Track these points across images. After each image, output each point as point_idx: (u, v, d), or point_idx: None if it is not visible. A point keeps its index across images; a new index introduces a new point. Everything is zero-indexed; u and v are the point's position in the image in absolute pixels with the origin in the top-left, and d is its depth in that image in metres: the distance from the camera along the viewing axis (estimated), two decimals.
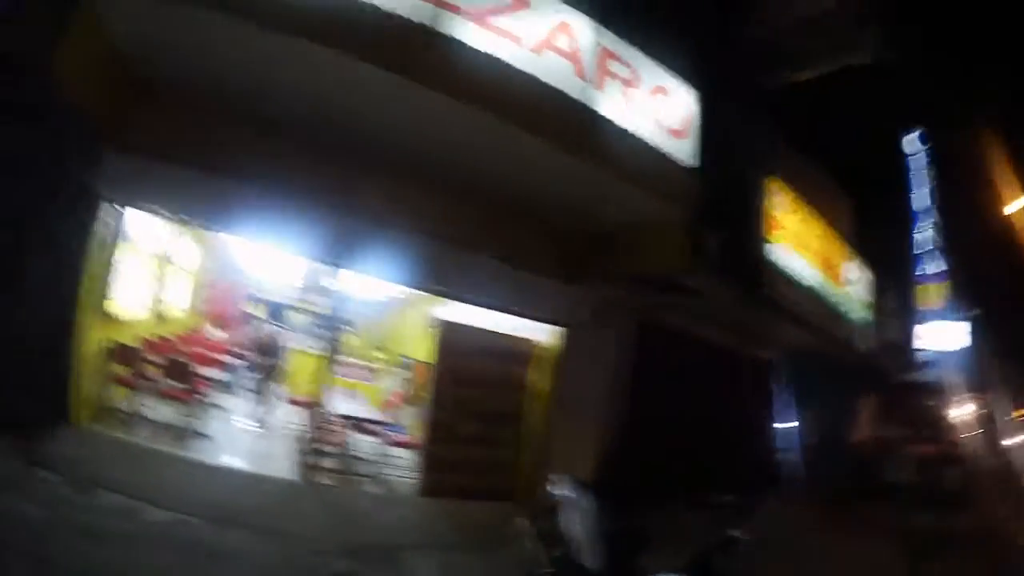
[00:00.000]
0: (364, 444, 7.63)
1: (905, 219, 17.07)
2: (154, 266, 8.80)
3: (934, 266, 16.87)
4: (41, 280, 5.14)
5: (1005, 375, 28.17)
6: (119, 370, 6.80)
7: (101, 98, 5.16)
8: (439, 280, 6.91)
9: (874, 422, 14.58)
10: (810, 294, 8.59)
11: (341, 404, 8.03)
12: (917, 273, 16.87)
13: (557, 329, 7.37)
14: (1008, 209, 17.93)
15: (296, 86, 5.28)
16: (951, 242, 17.11)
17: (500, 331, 7.44)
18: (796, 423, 10.92)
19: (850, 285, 10.23)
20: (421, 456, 7.02)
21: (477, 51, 5.25)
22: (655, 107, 6.62)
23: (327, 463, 7.00)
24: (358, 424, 7.52)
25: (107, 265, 6.34)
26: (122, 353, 6.86)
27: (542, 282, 7.00)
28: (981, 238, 17.79)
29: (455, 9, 5.33)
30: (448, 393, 7.08)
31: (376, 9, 4.80)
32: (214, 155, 5.69)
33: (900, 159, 17.43)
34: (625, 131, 6.15)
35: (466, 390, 7.11)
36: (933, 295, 16.60)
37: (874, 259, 13.16)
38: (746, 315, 7.86)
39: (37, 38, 4.30)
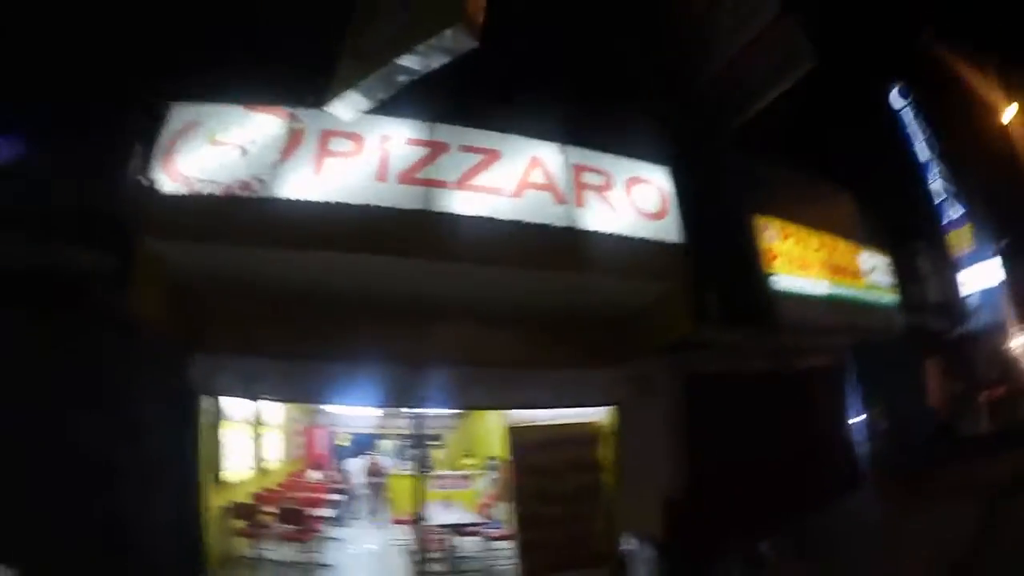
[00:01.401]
0: (468, 545, 8.65)
1: (916, 176, 17.13)
2: (250, 430, 10.20)
3: (954, 211, 16.90)
4: (167, 466, 6.29)
5: None
6: (239, 524, 8.09)
7: (177, 314, 6.40)
8: (500, 399, 7.95)
9: (941, 384, 14.56)
10: (829, 301, 9.16)
11: (440, 515, 9.07)
12: (943, 223, 16.90)
13: (610, 408, 8.31)
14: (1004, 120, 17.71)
15: (330, 279, 6.65)
16: (962, 181, 17.07)
17: (563, 421, 8.42)
18: (865, 416, 11.29)
19: (869, 275, 10.66)
20: (516, 545, 8.02)
21: (466, 217, 6.40)
22: (633, 199, 7.56)
23: (437, 568, 8.09)
24: (459, 529, 8.57)
25: (215, 442, 7.73)
26: (239, 510, 8.20)
27: (583, 374, 7.96)
28: (988, 165, 17.62)
29: (441, 184, 6.52)
30: (528, 486, 8.14)
31: (379, 208, 6.09)
32: (287, 344, 6.94)
33: (891, 120, 17.64)
34: (609, 235, 7.07)
35: (543, 479, 8.13)
36: (963, 239, 16.60)
37: (895, 231, 13.37)
38: (775, 344, 8.51)
39: (109, 278, 5.39)
